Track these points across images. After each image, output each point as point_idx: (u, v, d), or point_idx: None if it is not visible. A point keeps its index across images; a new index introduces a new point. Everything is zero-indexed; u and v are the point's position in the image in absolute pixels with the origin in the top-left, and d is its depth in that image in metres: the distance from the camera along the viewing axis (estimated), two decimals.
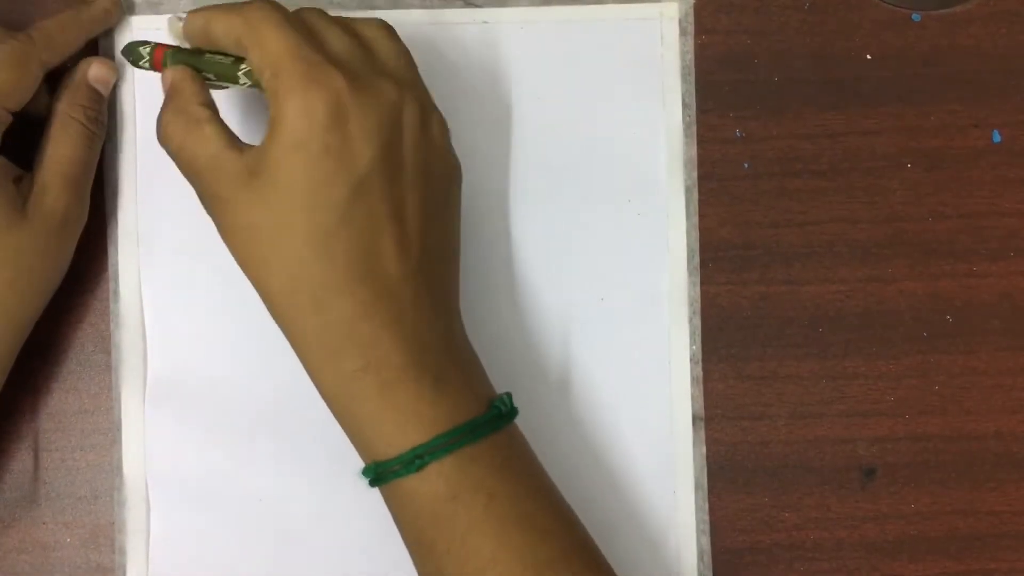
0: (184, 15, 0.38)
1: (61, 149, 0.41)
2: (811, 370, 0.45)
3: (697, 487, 0.44)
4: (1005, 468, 0.45)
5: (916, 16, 0.46)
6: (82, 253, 0.42)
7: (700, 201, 0.45)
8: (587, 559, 0.38)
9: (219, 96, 0.40)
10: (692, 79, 0.45)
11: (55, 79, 0.42)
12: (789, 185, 0.45)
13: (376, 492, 0.44)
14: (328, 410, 0.44)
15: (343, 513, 0.44)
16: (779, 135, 0.45)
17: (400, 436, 0.36)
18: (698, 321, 0.45)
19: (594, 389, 0.44)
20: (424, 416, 0.36)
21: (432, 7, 0.45)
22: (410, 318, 0.36)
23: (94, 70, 0.42)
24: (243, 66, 0.38)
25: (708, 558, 0.44)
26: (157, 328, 0.44)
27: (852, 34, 0.45)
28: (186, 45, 0.39)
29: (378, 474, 0.37)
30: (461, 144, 0.44)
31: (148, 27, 0.44)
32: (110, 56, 0.44)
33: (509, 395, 0.39)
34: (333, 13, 0.44)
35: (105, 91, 0.43)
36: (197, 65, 0.39)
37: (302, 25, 0.37)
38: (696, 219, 0.45)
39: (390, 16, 0.44)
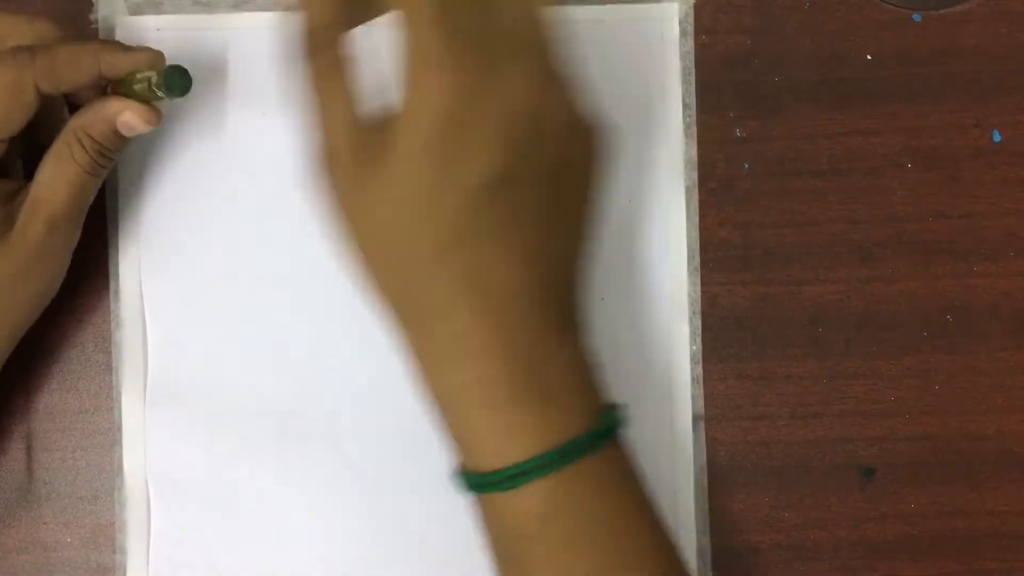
0: None
1: (59, 174, 0.39)
2: (811, 370, 0.45)
3: (697, 487, 0.44)
4: (1005, 468, 0.45)
5: (916, 16, 0.46)
6: (82, 253, 0.42)
7: (700, 201, 0.45)
8: None
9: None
10: (692, 79, 0.45)
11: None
12: (789, 185, 0.45)
13: (376, 492, 0.44)
14: (328, 410, 0.44)
15: (343, 513, 0.44)
16: (779, 135, 0.45)
17: (500, 453, 0.34)
18: (698, 321, 0.45)
19: None
20: (528, 434, 0.34)
21: None
22: (524, 333, 0.34)
23: (127, 118, 0.38)
24: (138, 77, 0.38)
25: (708, 558, 0.44)
26: (157, 328, 0.44)
27: (852, 34, 0.45)
28: None
29: (472, 485, 0.35)
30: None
31: (148, 27, 0.44)
32: None
33: (620, 407, 0.37)
34: None
35: (132, 135, 0.39)
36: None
37: None
38: (696, 219, 0.45)
39: (390, 16, 0.44)
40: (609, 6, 0.45)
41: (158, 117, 0.39)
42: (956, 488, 0.45)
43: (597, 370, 0.37)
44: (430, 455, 0.44)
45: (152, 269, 0.44)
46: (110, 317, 0.44)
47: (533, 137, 0.33)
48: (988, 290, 0.45)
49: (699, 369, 0.45)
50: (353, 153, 0.34)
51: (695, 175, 0.45)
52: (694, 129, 0.45)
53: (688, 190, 0.45)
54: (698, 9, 0.45)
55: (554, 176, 0.34)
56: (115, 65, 0.38)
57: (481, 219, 0.33)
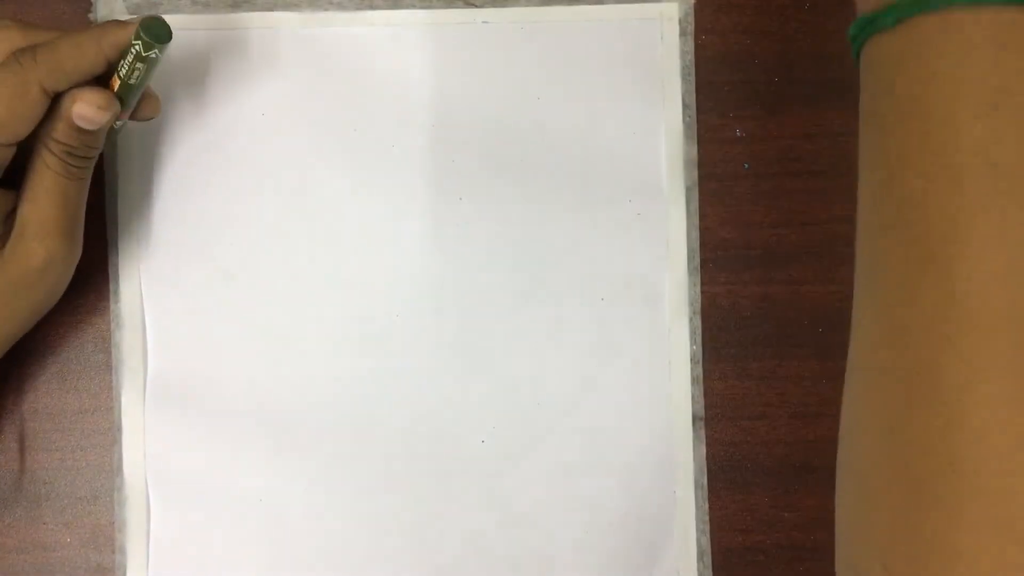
0: None
1: (38, 186, 0.38)
2: (811, 370, 0.45)
3: (697, 487, 0.44)
4: None
5: None
6: (82, 254, 0.42)
7: (700, 201, 0.45)
8: None
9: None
10: (692, 79, 0.45)
11: None
12: (789, 185, 0.45)
13: (375, 492, 0.44)
14: (327, 410, 0.44)
15: (342, 513, 0.44)
16: (779, 135, 0.45)
17: None
18: (698, 321, 0.45)
19: (594, 389, 0.44)
20: None
21: (432, 7, 0.45)
22: None
23: (78, 108, 0.37)
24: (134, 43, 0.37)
25: (708, 558, 0.44)
26: (157, 328, 0.44)
27: None
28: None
29: (860, 29, 0.29)
30: (461, 144, 0.44)
31: None
32: None
33: None
34: (332, 13, 0.44)
35: (91, 127, 0.37)
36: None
37: None
38: (696, 219, 0.45)
39: (389, 16, 0.45)
40: (609, 6, 0.45)
41: (109, 101, 0.37)
42: None
43: None
44: (430, 455, 0.44)
45: (152, 269, 0.44)
46: (110, 317, 0.44)
47: None
48: None
49: (699, 369, 0.45)
50: None
51: (695, 175, 0.45)
52: (694, 129, 0.45)
53: (688, 190, 0.45)
54: (698, 9, 0.45)
55: None
56: (118, 43, 0.37)
57: None
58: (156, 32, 0.37)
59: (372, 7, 0.45)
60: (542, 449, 0.44)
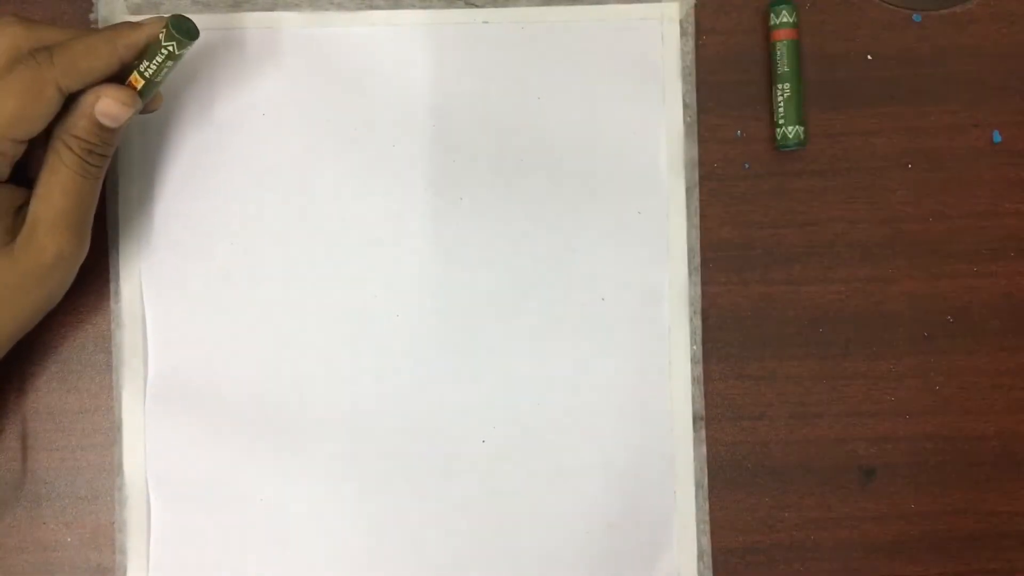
0: None
1: (53, 183, 0.38)
2: (811, 370, 0.45)
3: (697, 487, 0.44)
4: (1005, 468, 0.45)
5: (916, 16, 0.46)
6: None
7: (700, 201, 0.45)
8: None
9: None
10: (692, 79, 0.45)
11: None
12: (789, 185, 0.45)
13: (375, 491, 0.44)
14: (328, 410, 0.44)
15: (342, 512, 0.44)
16: None
17: None
18: (698, 321, 0.45)
19: (594, 389, 0.44)
20: None
21: (433, 7, 0.45)
22: None
23: (103, 105, 0.38)
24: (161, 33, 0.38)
25: (708, 558, 0.44)
26: (158, 328, 0.44)
27: (852, 34, 0.45)
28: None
29: None
30: (461, 144, 0.44)
31: None
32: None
33: None
34: (332, 13, 0.44)
35: (114, 124, 0.38)
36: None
37: None
38: (696, 219, 0.45)
39: (391, 16, 0.45)
40: (610, 6, 0.45)
41: (133, 98, 0.38)
42: (956, 488, 0.45)
43: None
44: (430, 455, 0.44)
45: (152, 269, 0.44)
46: (110, 317, 0.44)
47: None
48: (988, 290, 0.45)
49: (699, 369, 0.45)
50: None
51: (695, 175, 0.45)
52: (694, 129, 0.45)
53: (688, 190, 0.45)
54: (698, 9, 0.45)
55: None
56: (132, 45, 0.38)
57: None
58: (187, 29, 0.38)
59: (373, 7, 0.45)
60: (542, 449, 0.44)
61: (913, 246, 0.45)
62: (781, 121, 0.44)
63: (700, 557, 0.44)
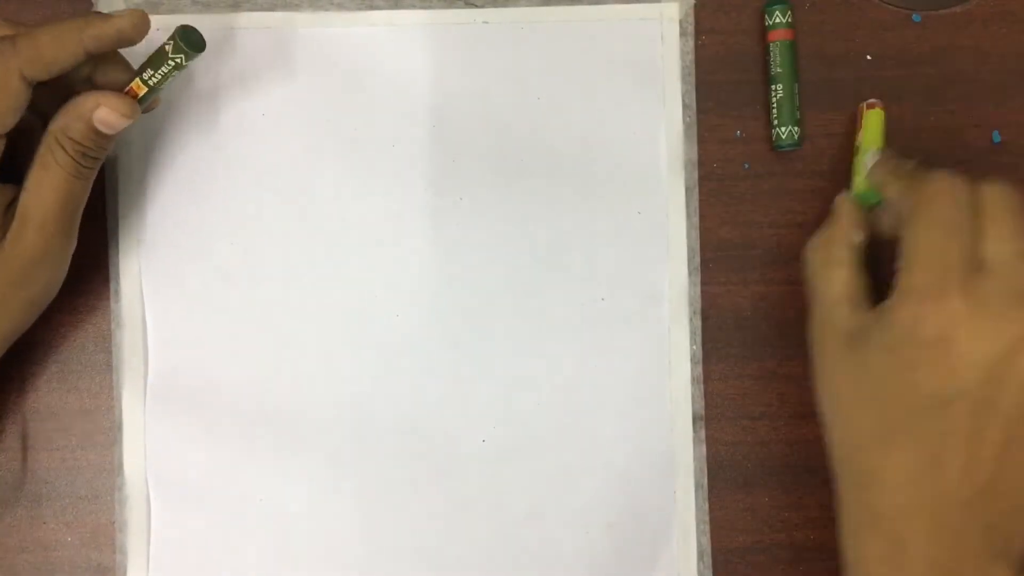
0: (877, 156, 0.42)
1: (44, 180, 0.38)
2: (811, 370, 0.45)
3: (697, 487, 0.44)
4: None
5: (916, 16, 0.46)
6: (82, 253, 0.42)
7: (700, 201, 0.45)
8: None
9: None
10: (692, 79, 0.45)
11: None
12: (789, 185, 0.45)
13: (375, 491, 0.44)
14: (328, 410, 0.44)
15: (342, 512, 0.44)
16: None
17: None
18: (698, 321, 0.45)
19: (594, 389, 0.44)
20: None
21: (432, 7, 0.45)
22: (958, 546, 0.35)
23: (102, 113, 0.37)
24: (167, 45, 0.38)
25: (708, 558, 0.44)
26: (158, 328, 0.44)
27: (851, 34, 0.45)
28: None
29: None
30: (461, 144, 0.44)
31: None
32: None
33: None
34: (333, 14, 0.44)
35: (112, 132, 0.38)
36: None
37: (970, 214, 0.36)
38: (696, 219, 0.45)
39: (390, 16, 0.45)
40: (609, 6, 0.45)
41: (134, 109, 0.38)
42: None
43: None
44: (430, 455, 0.44)
45: (152, 269, 0.44)
46: (110, 317, 0.44)
47: (1003, 373, 0.35)
48: None
49: (699, 369, 0.45)
50: (845, 328, 0.38)
51: (695, 175, 0.45)
52: (694, 129, 0.45)
53: (688, 190, 0.45)
54: (698, 9, 0.45)
55: (1015, 416, 0.35)
56: (100, 37, 0.37)
57: (929, 420, 0.36)
58: (195, 42, 0.38)
59: (373, 7, 0.45)
60: (542, 449, 0.44)
61: None
62: (776, 121, 0.44)
63: (700, 557, 0.44)
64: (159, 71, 0.38)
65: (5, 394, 0.44)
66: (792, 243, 0.45)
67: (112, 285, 0.44)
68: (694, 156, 0.45)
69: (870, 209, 0.41)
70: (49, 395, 0.44)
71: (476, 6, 0.45)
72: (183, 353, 0.44)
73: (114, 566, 0.44)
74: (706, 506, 0.44)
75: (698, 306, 0.45)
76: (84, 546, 0.44)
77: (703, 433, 0.44)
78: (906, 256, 0.37)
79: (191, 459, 0.44)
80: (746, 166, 0.45)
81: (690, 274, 0.45)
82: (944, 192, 0.37)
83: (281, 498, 0.44)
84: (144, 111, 0.41)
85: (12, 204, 0.39)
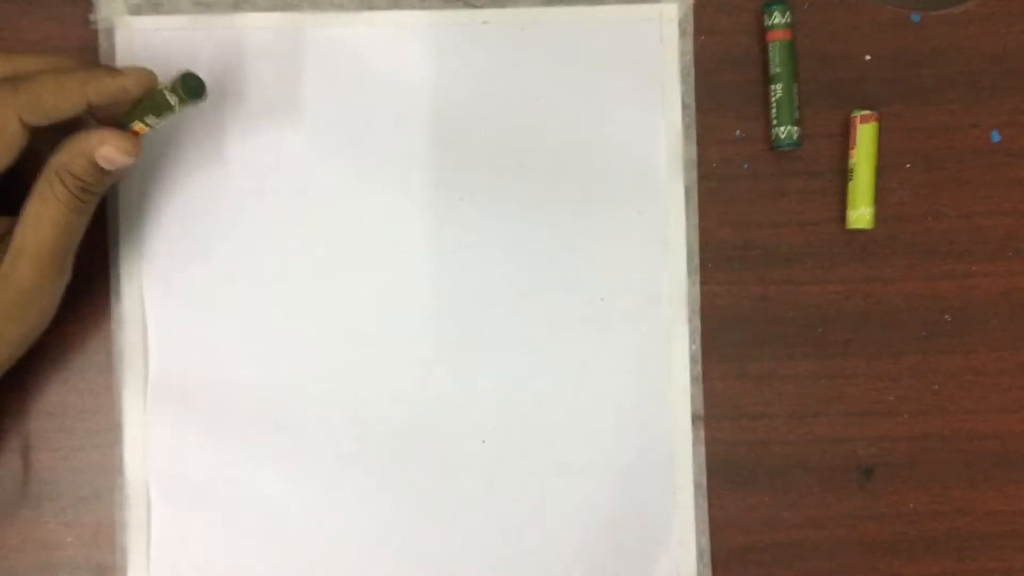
0: None
1: (42, 213, 0.37)
2: (810, 370, 0.45)
3: (697, 487, 0.44)
4: (1004, 468, 0.45)
5: (916, 16, 0.46)
6: (83, 253, 0.42)
7: (700, 201, 0.45)
8: None
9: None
10: (692, 79, 0.45)
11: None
12: (789, 185, 0.45)
13: (375, 491, 0.44)
14: (328, 410, 0.44)
15: (343, 513, 0.44)
16: None
17: None
18: (698, 321, 0.45)
19: (594, 389, 0.44)
20: None
21: (432, 7, 0.45)
22: None
23: (106, 151, 0.37)
24: (163, 88, 0.37)
25: (708, 558, 0.44)
26: (158, 328, 0.44)
27: (852, 34, 0.45)
28: None
29: None
30: (461, 145, 0.44)
31: (148, 27, 0.44)
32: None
33: None
34: (333, 14, 0.45)
35: (114, 168, 0.38)
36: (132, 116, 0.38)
37: None
38: (696, 219, 0.45)
39: (390, 17, 0.45)
40: (609, 6, 0.45)
41: (138, 148, 0.38)
42: (955, 488, 0.45)
43: None
44: (430, 455, 0.44)
45: (152, 269, 0.44)
46: (111, 317, 0.44)
47: None
48: (987, 290, 0.45)
49: (699, 369, 0.45)
50: None
51: (695, 175, 0.45)
52: (694, 129, 0.45)
53: (688, 190, 0.45)
54: (698, 9, 0.45)
55: None
56: (103, 91, 0.37)
57: None
58: (196, 89, 0.37)
59: (372, 7, 0.45)
60: (542, 449, 0.44)
61: (911, 246, 0.45)
62: (775, 121, 0.44)
63: (700, 557, 0.44)
64: (162, 117, 0.38)
65: (6, 394, 0.44)
66: (792, 243, 0.45)
67: (113, 285, 0.44)
68: (693, 156, 0.45)
69: None
70: (50, 395, 0.44)
71: (476, 6, 0.45)
72: (184, 353, 0.44)
73: (114, 566, 0.44)
74: (705, 506, 0.44)
75: (697, 306, 0.45)
76: (85, 546, 0.44)
77: (702, 433, 0.44)
78: None
79: (191, 459, 0.44)
80: (745, 166, 0.45)
81: (689, 274, 0.45)
82: None
83: (281, 498, 0.44)
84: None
85: (6, 236, 0.38)
